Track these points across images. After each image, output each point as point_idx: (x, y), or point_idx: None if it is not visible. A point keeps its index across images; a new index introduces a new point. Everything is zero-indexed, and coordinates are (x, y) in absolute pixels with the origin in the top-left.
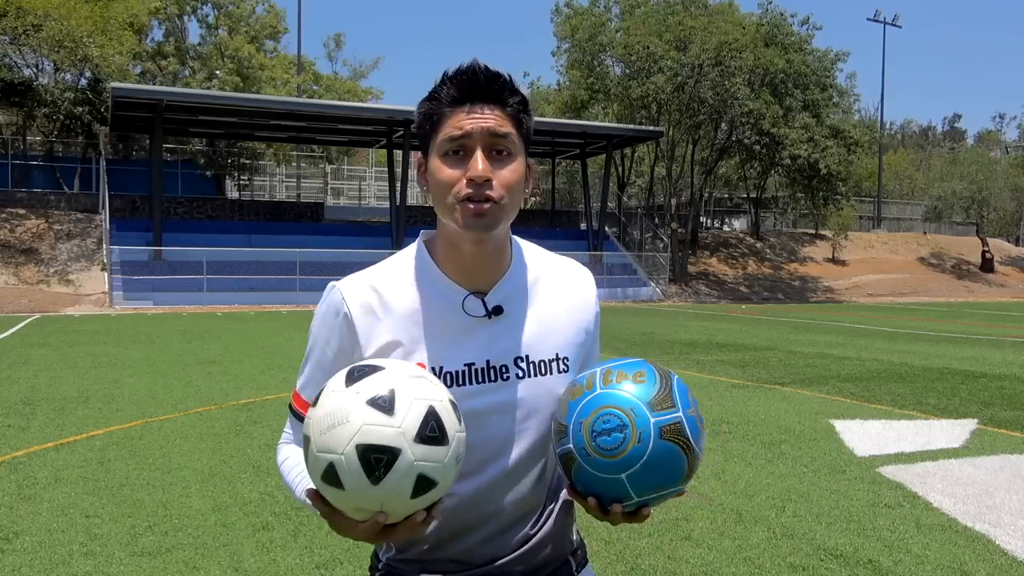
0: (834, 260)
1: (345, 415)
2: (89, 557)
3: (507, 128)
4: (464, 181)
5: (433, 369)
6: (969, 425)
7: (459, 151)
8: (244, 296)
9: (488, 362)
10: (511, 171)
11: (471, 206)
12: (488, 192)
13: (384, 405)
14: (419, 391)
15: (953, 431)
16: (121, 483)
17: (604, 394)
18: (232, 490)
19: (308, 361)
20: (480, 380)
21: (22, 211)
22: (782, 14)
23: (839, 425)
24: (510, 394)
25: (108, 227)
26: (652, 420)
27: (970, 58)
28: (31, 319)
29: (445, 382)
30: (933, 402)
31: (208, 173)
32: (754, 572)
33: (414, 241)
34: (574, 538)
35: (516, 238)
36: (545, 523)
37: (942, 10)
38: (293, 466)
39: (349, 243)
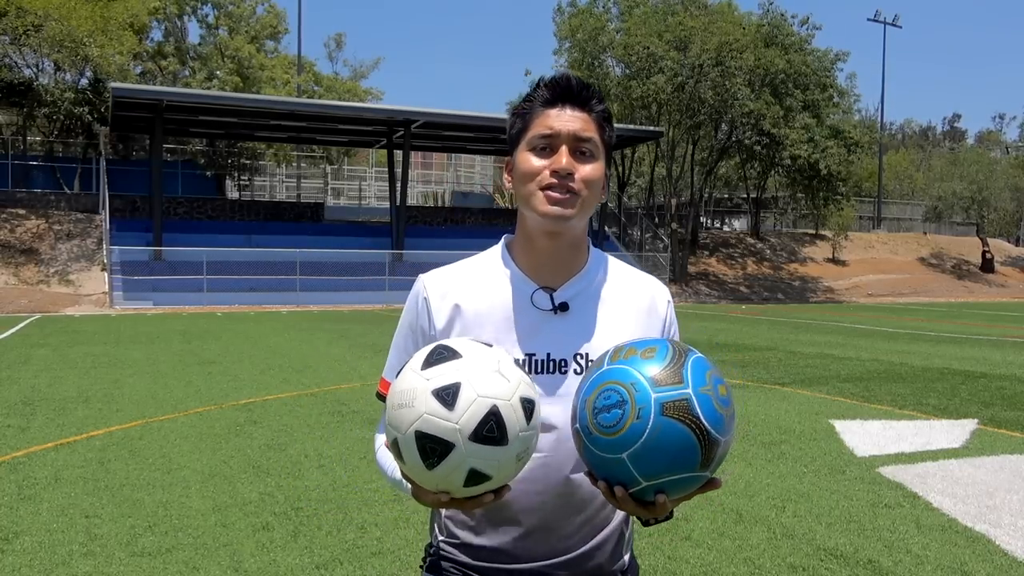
0: (834, 260)
1: (412, 398)
2: (89, 557)
3: (591, 132)
4: (548, 172)
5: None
6: (969, 425)
7: (546, 147)
8: (244, 296)
9: (549, 355)
10: (592, 169)
11: (552, 193)
12: (570, 184)
13: (447, 398)
14: (487, 388)
15: (953, 431)
16: (121, 483)
17: (610, 370)
18: (232, 490)
19: (393, 347)
20: (539, 371)
21: (22, 211)
22: (782, 14)
23: (839, 425)
24: (567, 387)
25: (108, 227)
26: (654, 396)
27: (970, 58)
28: (31, 319)
29: None
30: (933, 402)
31: (208, 173)
32: (754, 572)
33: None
34: (626, 556)
35: (601, 251)
36: (599, 531)
37: (942, 10)
38: (387, 454)
39: (349, 243)
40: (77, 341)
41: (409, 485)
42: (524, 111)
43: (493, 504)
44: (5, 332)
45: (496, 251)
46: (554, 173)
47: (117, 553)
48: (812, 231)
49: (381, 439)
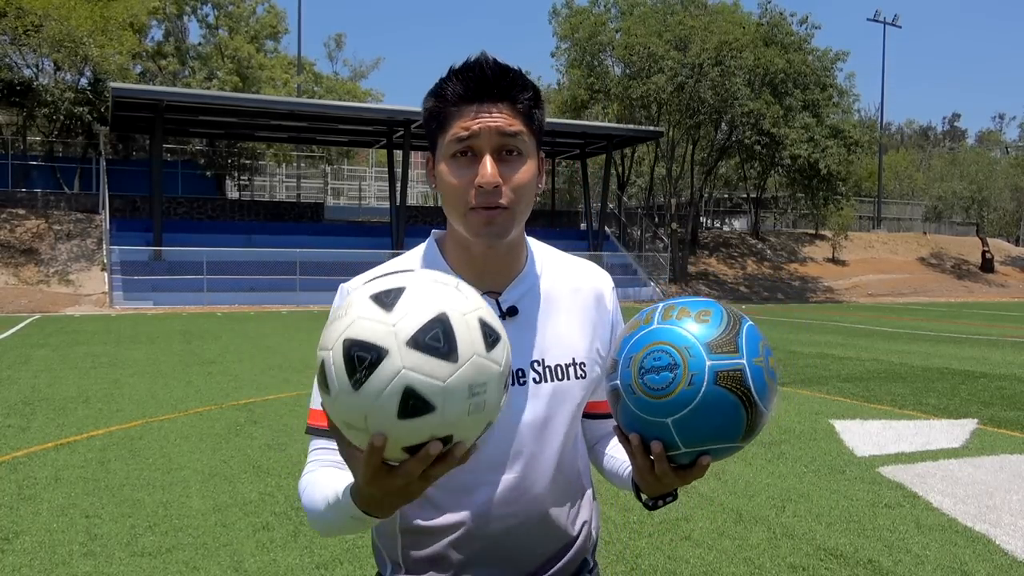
0: (834, 260)
1: (346, 308)
2: (89, 557)
3: (517, 127)
4: (473, 188)
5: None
6: (969, 425)
7: (467, 152)
8: (244, 296)
9: None
10: (522, 173)
11: (482, 213)
12: (498, 200)
13: (385, 300)
14: (437, 296)
15: (953, 431)
16: (121, 483)
17: (660, 329)
18: (232, 490)
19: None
20: None
21: (22, 211)
22: (781, 13)
23: (839, 425)
24: (526, 399)
25: (108, 227)
26: (708, 363)
27: (970, 58)
28: (31, 319)
29: None
30: (933, 402)
31: (208, 173)
32: (754, 572)
33: (420, 241)
34: (591, 542)
35: (530, 239)
36: (569, 547)
37: (942, 10)
38: (315, 489)
39: (349, 243)
40: (77, 341)
41: (346, 505)
42: (438, 110)
43: (452, 468)
44: (5, 332)
45: (424, 252)
46: (479, 189)
47: (117, 553)
48: (812, 231)
49: (307, 479)
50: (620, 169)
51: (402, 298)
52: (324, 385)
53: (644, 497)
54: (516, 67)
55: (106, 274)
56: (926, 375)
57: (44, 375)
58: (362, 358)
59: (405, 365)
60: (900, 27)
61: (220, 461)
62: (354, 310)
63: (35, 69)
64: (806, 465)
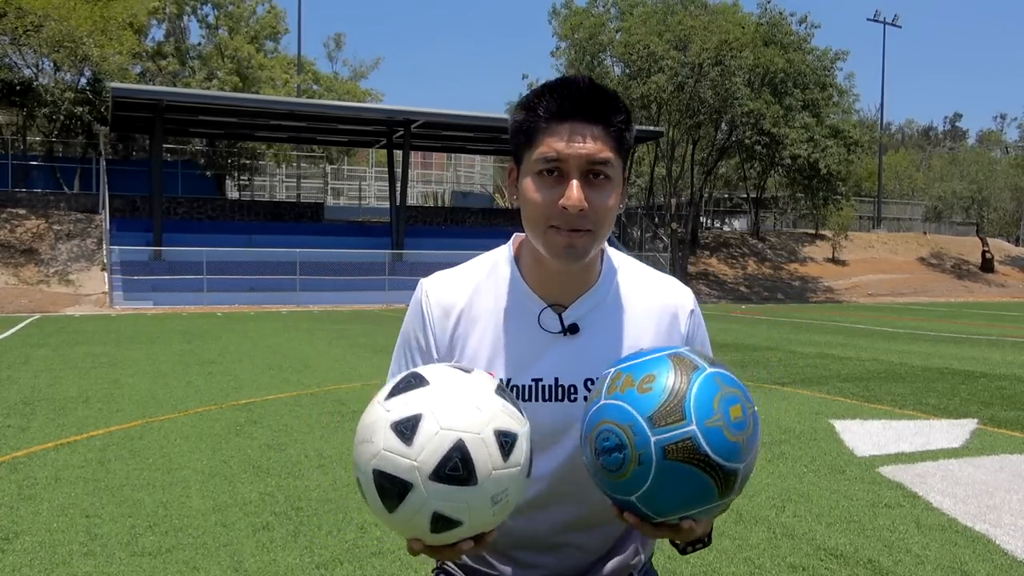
0: (834, 260)
1: (371, 433)
2: (89, 557)
3: (607, 153)
4: (557, 207)
5: (502, 381)
6: (969, 425)
7: (554, 171)
8: (244, 296)
9: (557, 380)
10: (608, 198)
11: (563, 235)
12: (583, 224)
13: (405, 432)
14: (452, 419)
15: (953, 431)
16: (121, 483)
17: (606, 406)
18: (232, 490)
19: (393, 360)
20: (547, 398)
21: (22, 211)
22: (781, 13)
23: (839, 425)
24: (575, 415)
25: (108, 227)
26: (653, 439)
27: (971, 58)
28: (31, 319)
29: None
30: (933, 402)
31: (208, 173)
32: (754, 572)
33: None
34: (642, 556)
35: (611, 251)
36: (612, 552)
37: (942, 9)
38: None
39: (349, 243)
40: (77, 341)
41: None
42: (528, 124)
43: (477, 551)
44: (5, 332)
45: (503, 258)
46: (563, 211)
47: (117, 553)
48: (812, 231)
49: None
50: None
51: (420, 430)
52: (362, 496)
53: (676, 543)
54: (612, 90)
55: (106, 274)
56: (926, 375)
57: (44, 375)
58: (391, 490)
59: (430, 495)
60: (900, 27)
61: (220, 461)
62: (379, 440)
63: (35, 69)
64: (806, 465)
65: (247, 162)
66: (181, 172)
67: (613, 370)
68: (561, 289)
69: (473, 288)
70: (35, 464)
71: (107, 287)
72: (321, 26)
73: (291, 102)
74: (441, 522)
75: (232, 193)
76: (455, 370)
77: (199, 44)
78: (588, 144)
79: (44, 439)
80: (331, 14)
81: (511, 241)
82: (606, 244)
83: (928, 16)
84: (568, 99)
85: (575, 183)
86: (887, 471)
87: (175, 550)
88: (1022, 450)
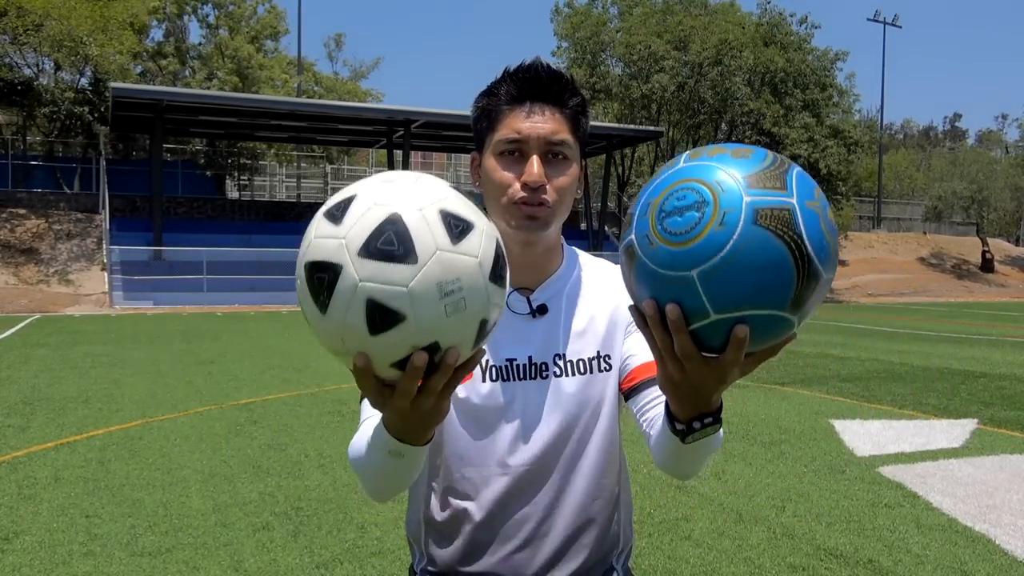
0: None
1: (307, 232)
2: (89, 557)
3: (564, 134)
4: (518, 184)
5: (479, 362)
6: (969, 425)
7: (515, 152)
8: (244, 296)
9: (530, 358)
10: (566, 176)
11: (524, 207)
12: (542, 197)
13: (336, 214)
14: (388, 197)
15: (953, 431)
16: (121, 483)
17: (687, 167)
18: (232, 490)
19: None
20: (520, 376)
21: (22, 211)
22: (781, 13)
23: (839, 425)
24: (548, 392)
25: (108, 227)
26: (746, 198)
27: (971, 58)
28: (31, 319)
29: (491, 376)
30: (933, 402)
31: (208, 173)
32: (754, 572)
33: None
34: (623, 542)
35: (573, 247)
36: (596, 532)
37: (942, 10)
38: (359, 435)
39: None
40: (77, 341)
41: (381, 440)
42: (489, 109)
43: (459, 377)
44: (5, 332)
45: None
46: (524, 186)
47: (117, 553)
48: None
49: (353, 439)
50: (620, 169)
51: (351, 207)
52: (305, 317)
53: (678, 425)
54: (569, 73)
55: (106, 274)
56: (926, 375)
57: (44, 375)
58: (320, 279)
59: (361, 277)
60: (900, 27)
61: (220, 461)
62: (311, 231)
63: (35, 69)
64: (806, 465)
65: (247, 162)
66: (181, 172)
67: (693, 150)
68: (527, 274)
69: None
70: (35, 464)
71: (107, 287)
72: (321, 26)
73: (291, 102)
74: (379, 315)
75: (232, 193)
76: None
77: (199, 44)
78: (547, 124)
79: (44, 439)
80: (331, 14)
81: None
82: (563, 241)
83: (928, 16)
84: (527, 83)
85: (535, 159)
86: (887, 471)
87: (175, 550)
88: (1022, 450)
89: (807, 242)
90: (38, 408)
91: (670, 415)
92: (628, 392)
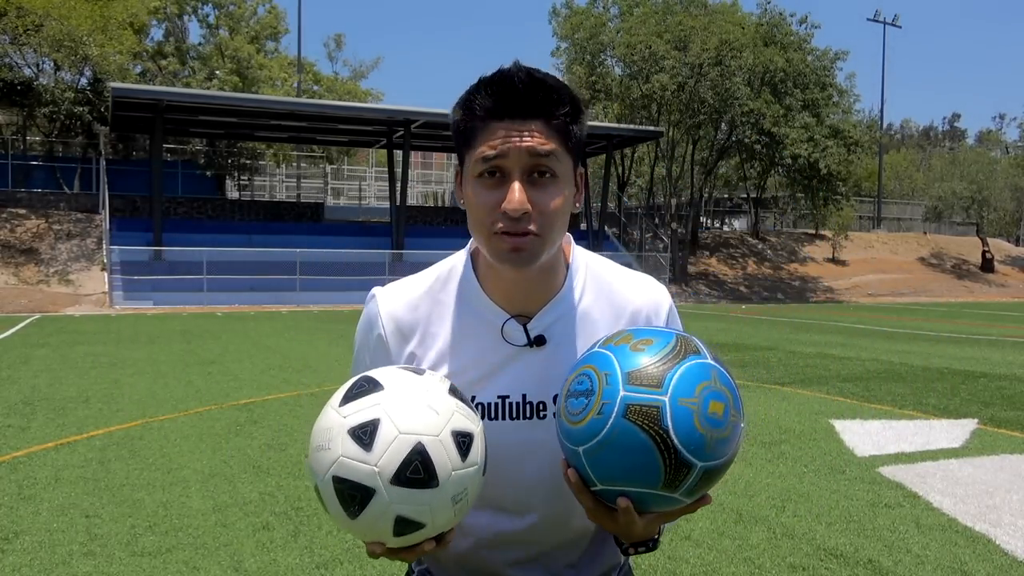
0: (834, 260)
1: (329, 439)
2: (89, 557)
3: (550, 146)
4: (500, 211)
5: (450, 382)
6: (969, 425)
7: (495, 172)
8: (244, 296)
9: (524, 397)
10: (553, 198)
11: (508, 239)
12: (527, 227)
13: (363, 438)
14: (410, 422)
15: (953, 431)
16: (121, 483)
17: (596, 353)
18: (232, 490)
19: (353, 369)
20: (514, 416)
21: (22, 211)
22: (781, 13)
23: (839, 425)
24: (545, 434)
25: (108, 227)
26: (621, 393)
27: (971, 58)
28: (31, 319)
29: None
30: (933, 402)
31: (208, 173)
32: (754, 572)
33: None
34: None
35: (578, 252)
36: (598, 554)
37: (942, 10)
38: None
39: (349, 243)
40: (77, 341)
41: None
42: (465, 124)
43: (437, 551)
44: (5, 332)
45: (459, 266)
46: (505, 215)
47: (117, 553)
48: (812, 231)
49: None
50: (620, 169)
51: (379, 435)
52: (321, 503)
53: (617, 538)
54: (552, 79)
55: (106, 274)
56: (926, 375)
57: (44, 375)
58: (353, 496)
59: (392, 500)
60: (900, 27)
61: (220, 461)
62: (336, 446)
63: (35, 69)
64: (806, 465)
65: (247, 162)
66: (181, 172)
67: (629, 328)
68: (524, 298)
69: (430, 300)
70: (35, 464)
71: (107, 287)
72: (321, 26)
73: (291, 102)
74: (404, 525)
75: (232, 193)
76: (407, 372)
77: (199, 44)
78: (527, 141)
79: (44, 439)
80: (331, 14)
81: (468, 246)
82: (573, 244)
83: (929, 16)
84: (503, 95)
85: (516, 184)
86: (887, 471)
87: (175, 550)
88: (1022, 450)
89: (673, 436)
90: (38, 408)
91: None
92: None
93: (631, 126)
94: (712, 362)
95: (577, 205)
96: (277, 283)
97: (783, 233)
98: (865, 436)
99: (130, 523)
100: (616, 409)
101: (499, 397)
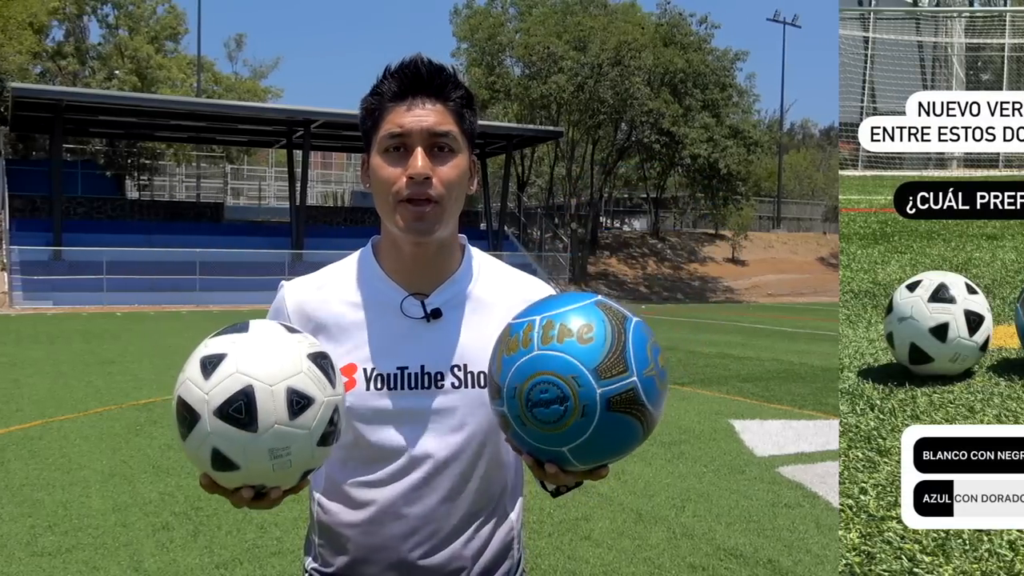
0: (734, 260)
1: (187, 362)
2: None
3: (448, 126)
4: (404, 180)
5: (365, 371)
6: None
7: (399, 148)
8: (144, 296)
9: (423, 367)
10: (452, 168)
11: (411, 208)
12: (428, 191)
13: (208, 367)
14: (250, 366)
15: None
16: (21, 483)
17: (542, 356)
18: (132, 490)
19: None
20: (412, 386)
21: None
22: (680, 13)
23: (739, 425)
24: (443, 403)
25: (8, 227)
26: (599, 391)
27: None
28: None
29: (376, 385)
30: (832, 402)
31: (108, 173)
32: (654, 572)
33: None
34: (515, 555)
35: (472, 247)
36: (483, 547)
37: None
38: None
39: (249, 243)
40: None
41: None
42: (373, 107)
43: (260, 506)
44: None
45: (362, 255)
46: (410, 180)
47: (17, 553)
48: (712, 231)
49: None
50: (520, 169)
51: (220, 366)
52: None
53: (548, 487)
54: (451, 67)
55: (6, 274)
56: (826, 375)
57: None
58: (184, 417)
59: (212, 431)
60: (800, 27)
61: (120, 461)
62: (188, 369)
63: None
64: (706, 465)
65: (147, 162)
66: (81, 172)
67: (542, 317)
68: (422, 277)
69: (333, 285)
70: None
71: (7, 287)
72: (222, 26)
73: (191, 102)
74: (219, 461)
75: (132, 193)
76: (280, 327)
77: (99, 44)
78: (430, 117)
79: None
80: (232, 15)
81: (370, 243)
82: (467, 243)
83: (828, 16)
84: (408, 78)
85: (419, 151)
86: (787, 471)
87: (75, 550)
88: None
89: (648, 406)
90: None
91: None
92: None
93: (530, 126)
94: (635, 318)
95: (471, 188)
96: (177, 283)
97: (683, 233)
98: (765, 436)
99: (30, 523)
100: (599, 406)
101: (398, 368)
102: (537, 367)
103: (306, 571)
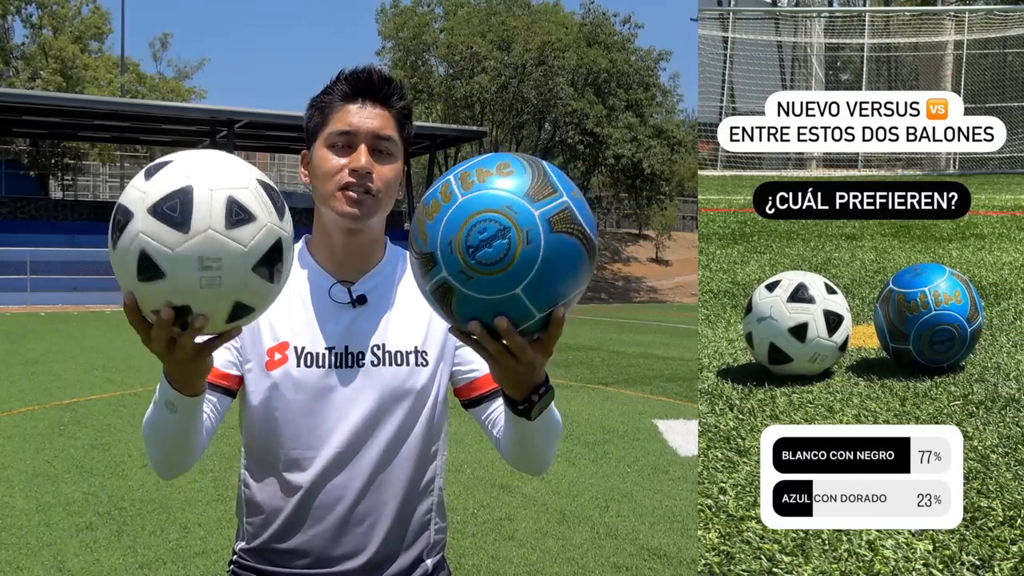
0: (658, 260)
1: (133, 179)
2: None
3: (391, 131)
4: (346, 171)
5: (296, 348)
6: None
7: (345, 145)
8: (68, 296)
9: (347, 348)
10: (391, 169)
11: (351, 194)
12: (368, 184)
13: (152, 172)
14: (194, 169)
15: None
16: None
17: (469, 200)
18: (55, 490)
19: None
20: (338, 364)
21: None
22: (604, 13)
23: (662, 425)
24: (363, 379)
25: None
26: (537, 213)
27: None
28: None
29: (306, 363)
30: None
31: (32, 173)
32: (577, 572)
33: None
34: (435, 553)
35: (396, 245)
36: (406, 530)
37: None
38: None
39: None
40: None
41: (161, 391)
42: (323, 105)
43: (180, 354)
44: None
45: (296, 247)
46: (353, 172)
47: None
48: (636, 231)
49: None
50: (443, 169)
51: (163, 169)
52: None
53: (520, 407)
54: (399, 80)
55: None
56: None
57: None
58: (117, 220)
59: (142, 230)
60: None
61: (43, 461)
62: (135, 181)
63: None
64: (629, 465)
65: (71, 162)
66: (4, 172)
67: (454, 173)
68: (349, 266)
69: None
70: None
71: None
72: (148, 27)
73: (114, 102)
74: (146, 265)
75: (56, 193)
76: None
77: (23, 44)
78: (376, 120)
79: None
80: (156, 15)
81: (302, 239)
82: (389, 240)
83: None
84: (360, 83)
85: (363, 148)
86: None
87: None
88: None
89: (586, 227)
90: None
91: (511, 402)
92: (473, 401)
93: (454, 126)
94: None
95: (401, 191)
96: (101, 283)
97: (606, 233)
98: (688, 436)
99: None
100: (541, 229)
101: (326, 348)
102: (468, 211)
103: (234, 553)
